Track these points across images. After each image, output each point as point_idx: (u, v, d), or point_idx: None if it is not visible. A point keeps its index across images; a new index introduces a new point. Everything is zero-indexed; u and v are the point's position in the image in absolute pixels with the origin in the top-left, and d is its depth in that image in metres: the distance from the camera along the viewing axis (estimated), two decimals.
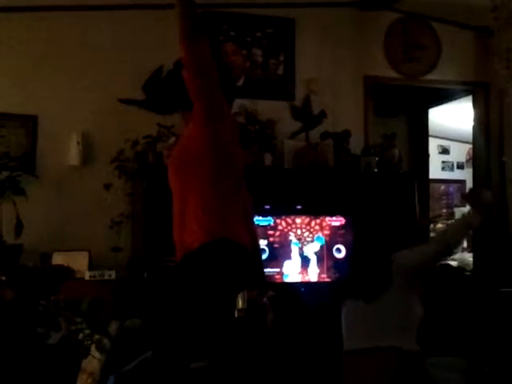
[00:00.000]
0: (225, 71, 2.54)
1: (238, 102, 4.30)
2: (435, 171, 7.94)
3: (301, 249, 4.26)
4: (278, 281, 4.20)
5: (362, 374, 2.79)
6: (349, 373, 2.87)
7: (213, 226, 2.38)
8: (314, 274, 4.27)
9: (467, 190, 3.04)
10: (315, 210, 4.32)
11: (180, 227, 2.46)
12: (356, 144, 4.75)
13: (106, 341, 3.33)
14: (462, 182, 8.83)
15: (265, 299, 3.54)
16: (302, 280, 4.24)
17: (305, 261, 4.26)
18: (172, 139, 4.10)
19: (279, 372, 3.78)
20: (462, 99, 5.84)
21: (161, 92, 4.35)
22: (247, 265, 2.48)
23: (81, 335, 3.42)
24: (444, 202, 8.98)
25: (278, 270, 4.22)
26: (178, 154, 2.53)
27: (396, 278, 2.84)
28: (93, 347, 3.34)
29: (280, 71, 4.82)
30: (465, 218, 3.06)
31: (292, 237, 4.26)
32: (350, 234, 4.32)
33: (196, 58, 2.30)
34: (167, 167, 2.56)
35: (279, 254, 4.23)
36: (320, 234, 4.29)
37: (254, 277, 2.56)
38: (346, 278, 3.04)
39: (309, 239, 4.28)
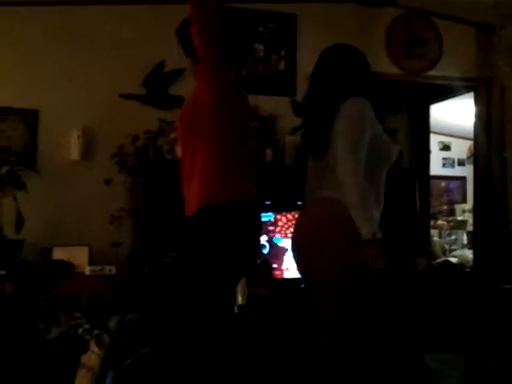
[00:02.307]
0: (236, 34, 2.69)
1: None
2: (436, 168, 7.94)
3: None
4: (279, 277, 4.20)
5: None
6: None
7: (217, 187, 2.47)
8: None
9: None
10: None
11: (190, 182, 2.53)
12: None
13: (105, 336, 3.34)
14: (463, 179, 8.84)
15: (258, 261, 3.56)
16: None
17: None
18: (173, 134, 4.10)
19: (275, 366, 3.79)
20: (463, 95, 5.83)
21: (161, 87, 4.36)
22: (255, 227, 2.50)
23: (80, 330, 3.42)
24: (445, 198, 8.99)
25: (278, 265, 4.21)
26: (187, 110, 2.63)
27: None
28: (92, 342, 3.34)
29: (281, 66, 4.81)
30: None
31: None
32: None
33: (202, 14, 2.41)
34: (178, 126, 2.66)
35: (280, 249, 4.23)
36: None
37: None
38: None
39: None
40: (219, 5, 2.54)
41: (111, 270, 3.95)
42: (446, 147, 8.98)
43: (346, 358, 2.57)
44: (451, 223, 8.11)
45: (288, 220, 4.25)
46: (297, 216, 2.88)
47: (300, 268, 2.74)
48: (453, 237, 7.92)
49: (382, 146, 2.66)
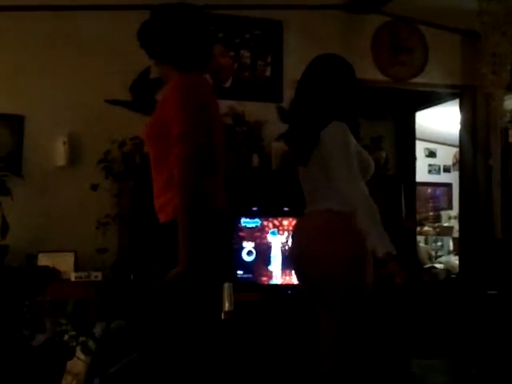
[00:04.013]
0: (198, 38, 2.53)
1: (226, 104, 4.30)
2: (422, 174, 7.97)
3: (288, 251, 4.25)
4: (265, 283, 4.20)
5: None
6: None
7: None
8: None
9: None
10: (302, 212, 4.31)
11: (158, 191, 2.51)
12: None
13: (91, 342, 3.32)
14: (449, 185, 8.89)
15: None
16: (289, 282, 4.24)
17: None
18: None
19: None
20: (448, 102, 5.87)
21: (148, 93, 4.35)
22: (227, 229, 2.51)
23: (66, 337, 3.41)
24: (431, 204, 9.03)
25: (264, 271, 4.21)
26: (153, 119, 2.53)
27: None
28: (78, 349, 3.33)
29: (268, 73, 4.82)
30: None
31: (279, 239, 4.26)
32: None
33: None
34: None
35: (266, 255, 4.23)
36: None
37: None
38: None
39: None
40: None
41: (97, 276, 3.93)
42: (431, 154, 9.01)
43: (346, 366, 2.59)
44: (437, 229, 8.14)
45: (274, 226, 4.25)
46: (295, 226, 2.93)
47: (302, 277, 2.76)
48: (439, 243, 7.96)
49: (365, 162, 2.70)
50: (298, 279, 2.82)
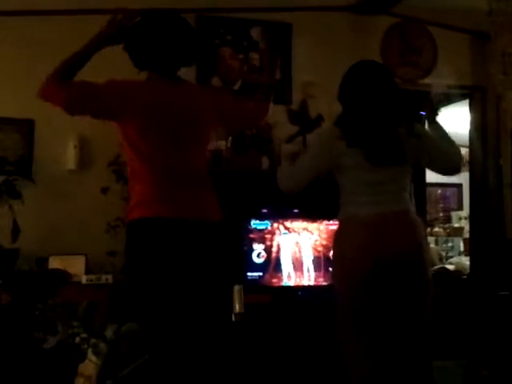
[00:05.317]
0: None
1: None
2: (432, 175, 7.92)
3: (298, 252, 4.25)
4: (276, 285, 4.20)
5: None
6: None
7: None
8: (311, 278, 4.26)
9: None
10: (313, 214, 4.32)
11: None
12: None
13: (102, 345, 3.33)
14: (459, 186, 8.84)
15: None
16: (299, 284, 4.23)
17: (302, 265, 4.25)
18: None
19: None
20: (458, 103, 5.84)
21: None
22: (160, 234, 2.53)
23: (77, 339, 3.42)
24: (441, 205, 8.99)
25: (275, 273, 4.21)
26: None
27: None
28: (89, 351, 3.34)
29: (277, 75, 4.82)
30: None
31: (289, 241, 4.25)
32: None
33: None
34: None
35: (276, 257, 4.22)
36: (316, 238, 4.29)
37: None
38: None
39: (306, 243, 4.27)
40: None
41: (108, 278, 3.93)
42: None
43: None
44: (448, 230, 8.10)
45: (285, 228, 4.25)
46: (364, 228, 2.84)
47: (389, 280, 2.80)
48: (449, 244, 7.92)
49: None
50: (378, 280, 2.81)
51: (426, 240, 2.94)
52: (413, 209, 2.91)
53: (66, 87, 2.53)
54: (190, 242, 2.55)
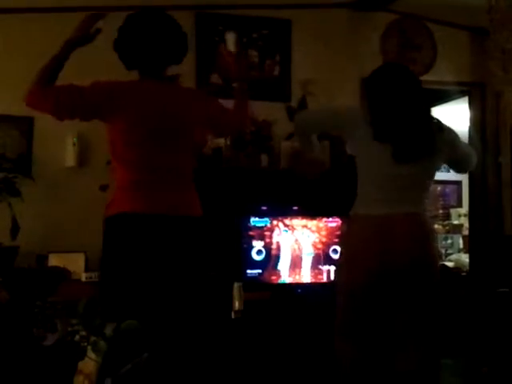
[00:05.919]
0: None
1: None
2: None
3: (297, 250, 4.25)
4: (274, 282, 4.20)
5: None
6: None
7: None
8: (310, 275, 4.27)
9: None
10: (312, 211, 4.32)
11: None
12: None
13: (102, 342, 3.32)
14: (459, 183, 8.84)
15: None
16: (299, 281, 4.24)
17: (301, 262, 4.26)
18: None
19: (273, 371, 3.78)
20: (458, 100, 5.84)
21: None
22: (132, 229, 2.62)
23: (77, 337, 3.41)
24: (440, 202, 8.99)
25: (274, 271, 4.21)
26: None
27: None
28: (89, 349, 3.33)
29: (276, 72, 4.82)
30: None
31: (289, 238, 4.26)
32: None
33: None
34: None
35: (276, 254, 4.23)
36: (315, 235, 4.29)
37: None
38: None
39: (305, 240, 4.28)
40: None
41: None
42: None
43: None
44: (447, 227, 8.10)
45: (284, 225, 4.25)
46: (374, 228, 2.79)
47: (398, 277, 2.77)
48: (449, 241, 7.92)
49: None
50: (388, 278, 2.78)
51: (435, 244, 2.89)
52: (426, 210, 2.93)
53: (53, 93, 2.53)
54: (167, 236, 2.58)
